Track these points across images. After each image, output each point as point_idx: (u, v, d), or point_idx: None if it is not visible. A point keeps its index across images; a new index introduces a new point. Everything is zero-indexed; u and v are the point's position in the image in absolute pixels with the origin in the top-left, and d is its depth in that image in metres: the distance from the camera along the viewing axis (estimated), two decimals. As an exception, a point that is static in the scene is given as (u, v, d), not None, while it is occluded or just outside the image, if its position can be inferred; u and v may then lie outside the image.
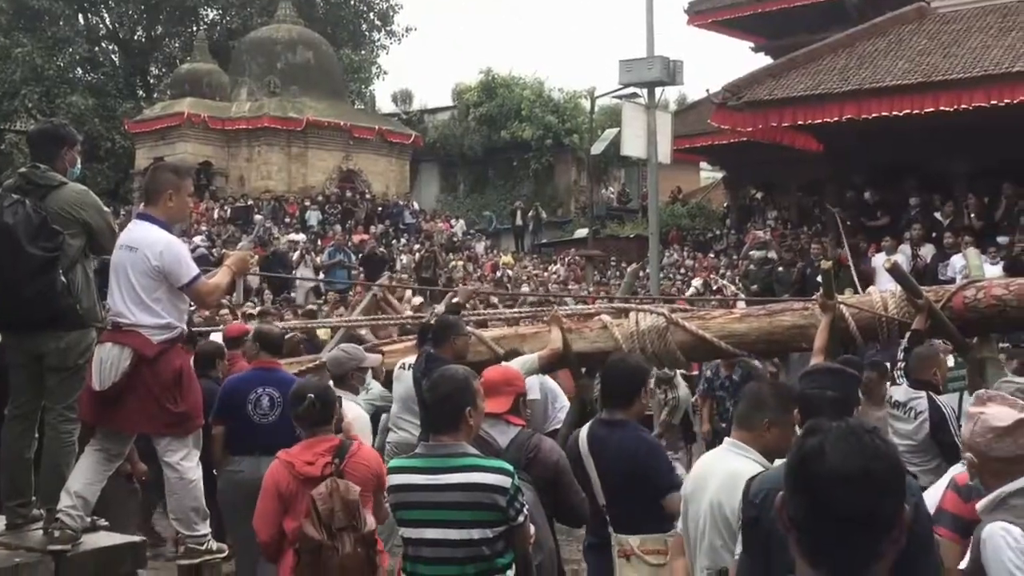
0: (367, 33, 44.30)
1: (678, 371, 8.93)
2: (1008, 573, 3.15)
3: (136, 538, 5.61)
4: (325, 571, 4.51)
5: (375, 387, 7.83)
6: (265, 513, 4.90)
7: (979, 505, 3.46)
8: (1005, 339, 9.27)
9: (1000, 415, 3.42)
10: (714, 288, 18.75)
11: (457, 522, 3.97)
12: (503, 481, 3.97)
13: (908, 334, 6.66)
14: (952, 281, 11.63)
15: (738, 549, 3.87)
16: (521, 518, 4.02)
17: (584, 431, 5.13)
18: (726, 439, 4.28)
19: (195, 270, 5.29)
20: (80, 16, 39.81)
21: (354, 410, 6.43)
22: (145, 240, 5.22)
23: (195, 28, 40.74)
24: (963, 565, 3.44)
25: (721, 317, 7.58)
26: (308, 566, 4.54)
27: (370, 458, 5.05)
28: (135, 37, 41.65)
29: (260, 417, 6.66)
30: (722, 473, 4.00)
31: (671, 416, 8.70)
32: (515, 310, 11.36)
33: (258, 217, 27.74)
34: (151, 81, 42.29)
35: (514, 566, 4.10)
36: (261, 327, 7.74)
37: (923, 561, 3.42)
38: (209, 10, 42.51)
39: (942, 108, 17.20)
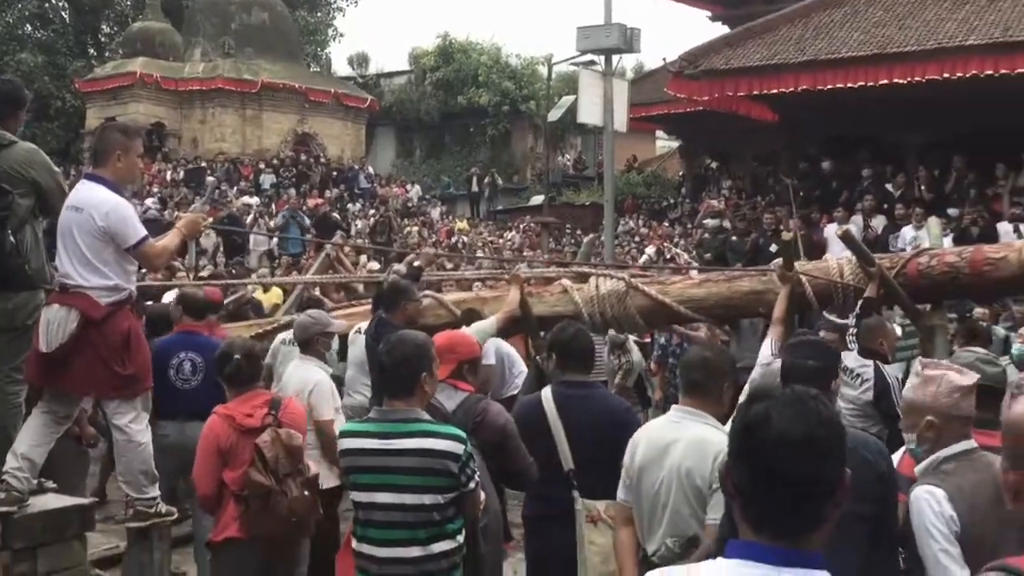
0: (323, -6, 43.79)
1: (630, 336, 8.94)
2: (927, 534, 3.22)
3: (84, 500, 5.54)
4: (274, 515, 4.79)
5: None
6: (206, 467, 5.09)
7: (917, 469, 3.52)
8: (952, 309, 9.36)
9: (960, 376, 3.48)
10: (667, 256, 18.81)
11: (409, 487, 3.95)
12: (456, 448, 3.96)
13: (861, 301, 6.73)
14: (904, 252, 11.73)
15: (711, 515, 3.87)
16: (472, 484, 4.02)
17: (548, 394, 5.05)
18: (675, 407, 4.29)
19: (142, 232, 5.18)
20: (29, -29, 38.97)
21: (317, 374, 6.38)
22: (91, 201, 5.11)
23: (147, -14, 40.04)
24: None
25: (680, 282, 7.61)
26: (258, 512, 4.81)
27: (300, 410, 5.38)
28: (86, -6, 40.82)
29: (182, 382, 6.67)
30: (686, 440, 4.00)
31: (625, 380, 8.73)
32: (472, 271, 11.34)
33: (210, 179, 27.38)
34: (102, 40, 41.50)
35: (463, 531, 4.10)
36: (184, 290, 7.64)
37: (890, 522, 3.53)
38: (162, -32, 41.71)
39: (896, 80, 17.31)
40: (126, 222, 5.12)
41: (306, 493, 4.94)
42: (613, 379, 8.92)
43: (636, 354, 8.97)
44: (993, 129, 17.47)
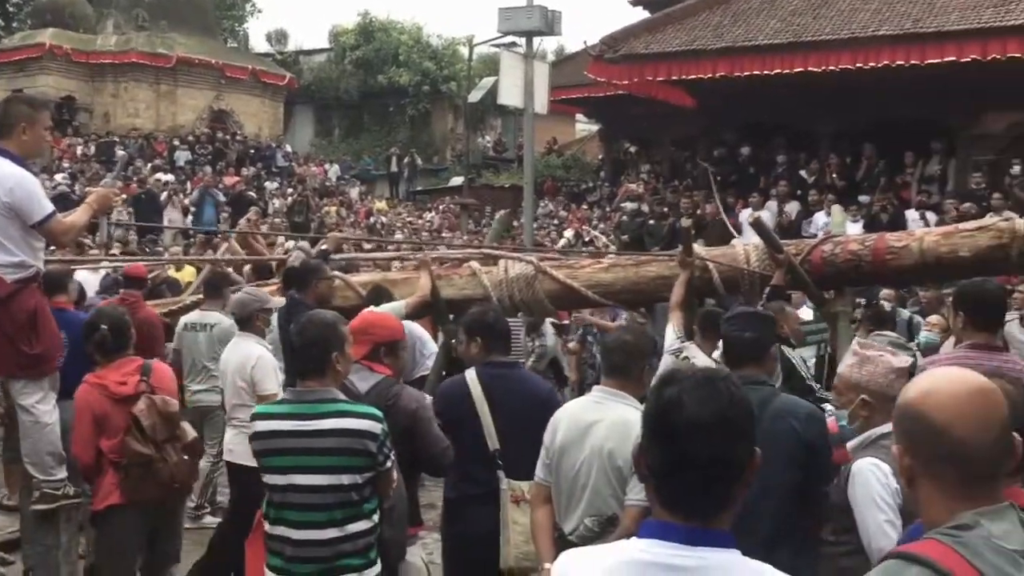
0: (241, -31, 43.13)
1: (548, 320, 8.99)
2: (874, 505, 3.31)
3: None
4: (157, 481, 4.95)
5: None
6: (83, 436, 5.10)
7: (850, 444, 3.61)
8: (861, 295, 9.61)
9: (896, 357, 3.61)
10: (586, 240, 18.96)
11: (328, 468, 3.94)
12: (374, 427, 3.96)
13: (768, 288, 6.85)
14: (815, 238, 11.99)
15: (631, 496, 3.93)
16: (388, 463, 4.02)
17: (473, 376, 5.05)
18: (596, 387, 4.34)
19: (49, 208, 5.10)
20: (-68, -63, 37.70)
21: (258, 349, 6.38)
22: None
23: (58, -45, 38.96)
24: None
25: (589, 267, 7.64)
26: (139, 479, 4.93)
27: (168, 373, 5.52)
28: (-8, -38, 39.63)
29: None
30: (608, 421, 4.05)
31: (537, 363, 8.78)
32: (384, 253, 11.33)
33: (121, 153, 26.75)
34: (10, 9, 40.31)
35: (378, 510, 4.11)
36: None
37: (817, 489, 3.66)
38: (73, -63, 40.62)
39: (811, 69, 17.54)
40: (31, 197, 5.03)
41: (185, 457, 5.08)
42: (527, 362, 8.98)
43: (550, 338, 9.04)
44: (903, 118, 17.89)
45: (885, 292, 10.27)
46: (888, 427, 3.43)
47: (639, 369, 4.24)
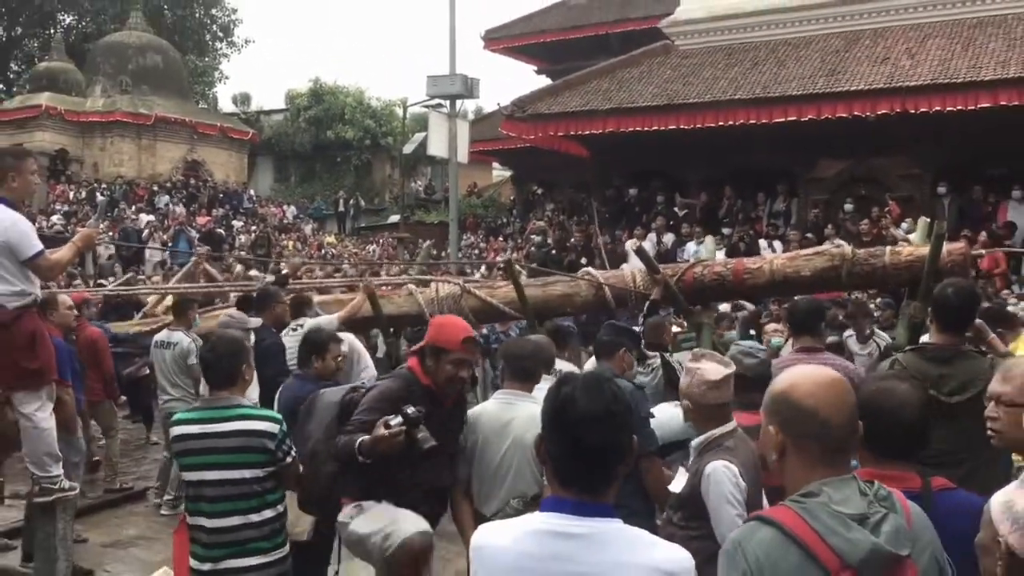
0: (210, 43, 42.62)
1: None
2: (727, 502, 3.29)
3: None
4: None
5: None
6: None
7: (694, 443, 3.56)
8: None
9: (712, 370, 3.51)
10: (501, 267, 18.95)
11: (232, 464, 3.85)
12: (271, 427, 3.90)
13: (647, 303, 6.94)
14: (687, 262, 12.13)
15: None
16: (289, 459, 3.94)
17: (282, 388, 5.25)
18: (501, 391, 4.29)
19: (38, 246, 4.90)
20: (-58, 13, 36.51)
21: None
22: None
23: (53, 31, 38.08)
24: (676, 488, 3.55)
25: (505, 287, 7.69)
26: None
27: None
28: (-4, 36, 38.52)
29: None
30: (524, 417, 4.03)
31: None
32: (335, 279, 11.27)
33: (100, 198, 26.17)
34: (11, 76, 39.28)
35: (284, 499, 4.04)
36: None
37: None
38: (66, 15, 39.84)
39: (682, 126, 17.84)
40: (24, 236, 4.85)
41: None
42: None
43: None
44: (755, 166, 18.31)
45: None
46: (726, 428, 3.46)
47: (541, 372, 4.24)
